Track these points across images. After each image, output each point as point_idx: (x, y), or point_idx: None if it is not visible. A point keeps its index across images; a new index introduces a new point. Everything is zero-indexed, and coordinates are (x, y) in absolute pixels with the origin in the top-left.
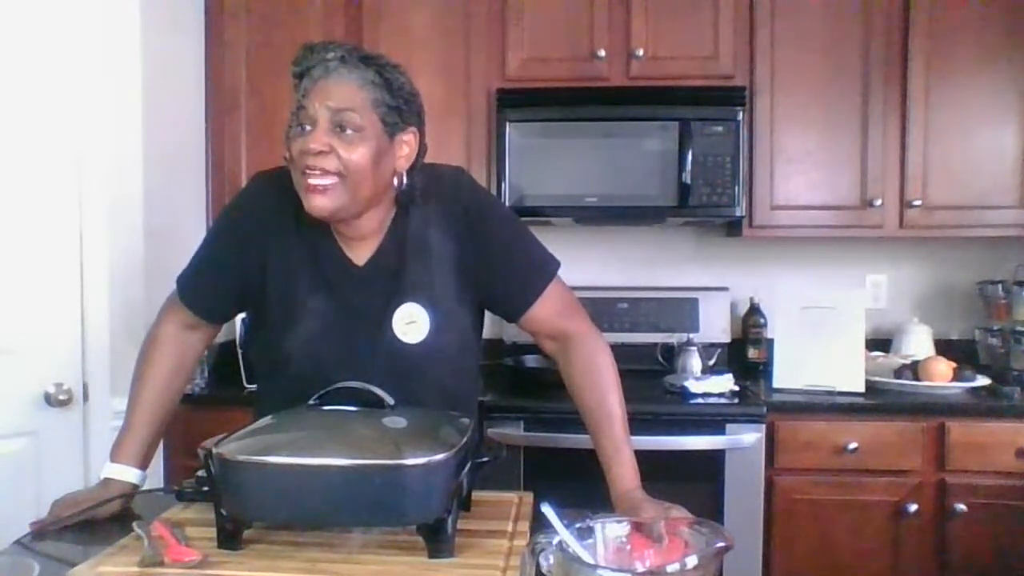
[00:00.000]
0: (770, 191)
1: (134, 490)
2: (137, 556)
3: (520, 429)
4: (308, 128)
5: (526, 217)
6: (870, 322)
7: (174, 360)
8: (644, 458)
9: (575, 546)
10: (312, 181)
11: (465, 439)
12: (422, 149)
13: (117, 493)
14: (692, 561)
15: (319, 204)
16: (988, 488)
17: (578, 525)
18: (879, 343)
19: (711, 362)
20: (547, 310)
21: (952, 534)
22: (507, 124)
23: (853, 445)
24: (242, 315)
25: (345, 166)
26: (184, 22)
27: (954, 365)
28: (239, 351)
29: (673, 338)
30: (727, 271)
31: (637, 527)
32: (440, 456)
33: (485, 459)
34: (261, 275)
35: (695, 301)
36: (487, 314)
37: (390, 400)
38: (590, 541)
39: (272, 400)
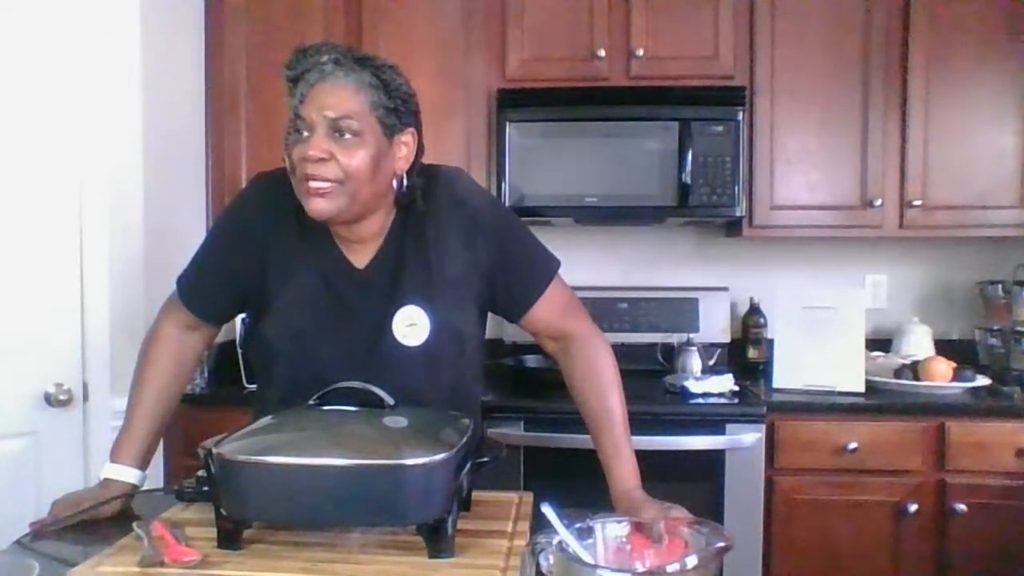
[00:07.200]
0: (770, 191)
1: (134, 490)
2: (137, 556)
3: (520, 429)
4: (306, 134)
5: (526, 217)
6: (870, 322)
7: (174, 361)
8: (644, 458)
9: (575, 546)
10: (313, 184)
11: (465, 439)
12: (420, 149)
13: (117, 493)
14: (692, 561)
15: (319, 207)
16: (988, 488)
17: (578, 525)
18: (879, 343)
19: (711, 362)
20: (548, 310)
21: (952, 534)
22: (507, 124)
23: (853, 445)
24: (242, 315)
25: (345, 172)
26: (184, 22)
27: (954, 365)
28: (239, 351)
29: (673, 338)
30: (727, 271)
31: (637, 527)
32: (440, 456)
33: (485, 459)
34: (261, 277)
35: (695, 301)
36: (487, 314)
37: (390, 400)
38: (590, 541)
39: (271, 400)
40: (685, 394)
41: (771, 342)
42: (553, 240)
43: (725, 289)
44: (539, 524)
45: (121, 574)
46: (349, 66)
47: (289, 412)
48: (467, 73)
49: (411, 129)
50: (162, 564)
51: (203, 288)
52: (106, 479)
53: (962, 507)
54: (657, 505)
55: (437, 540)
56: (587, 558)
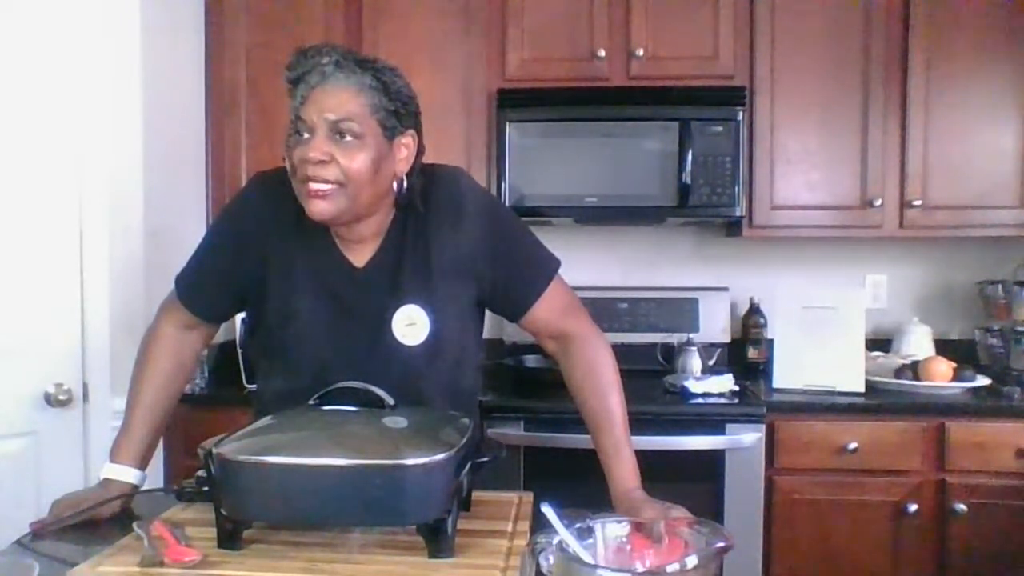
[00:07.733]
0: (770, 191)
1: (134, 490)
2: (137, 556)
3: (520, 429)
4: (307, 136)
5: (526, 217)
6: (870, 322)
7: (173, 360)
8: (644, 458)
9: (575, 546)
10: (313, 186)
11: (465, 439)
12: (420, 151)
13: (117, 493)
14: (692, 561)
15: (320, 209)
16: (988, 488)
17: (578, 525)
18: (879, 343)
19: (711, 362)
20: (548, 310)
21: (952, 534)
22: (507, 124)
23: (853, 445)
24: (242, 315)
25: (345, 174)
26: (184, 22)
27: (954, 365)
28: (239, 351)
29: (673, 338)
30: (727, 271)
31: (637, 527)
32: (440, 456)
33: (485, 459)
34: (260, 276)
35: (695, 301)
36: (487, 314)
37: (390, 400)
38: (590, 541)
39: (272, 401)
40: (685, 394)
41: (771, 342)
42: (553, 240)
43: (725, 289)
44: (539, 524)
45: (121, 574)
46: (350, 68)
47: (289, 412)
48: (467, 73)
49: (411, 131)
50: (162, 564)
51: (202, 287)
52: (106, 479)
53: (962, 507)
54: (657, 505)
55: (437, 540)
56: (587, 558)
